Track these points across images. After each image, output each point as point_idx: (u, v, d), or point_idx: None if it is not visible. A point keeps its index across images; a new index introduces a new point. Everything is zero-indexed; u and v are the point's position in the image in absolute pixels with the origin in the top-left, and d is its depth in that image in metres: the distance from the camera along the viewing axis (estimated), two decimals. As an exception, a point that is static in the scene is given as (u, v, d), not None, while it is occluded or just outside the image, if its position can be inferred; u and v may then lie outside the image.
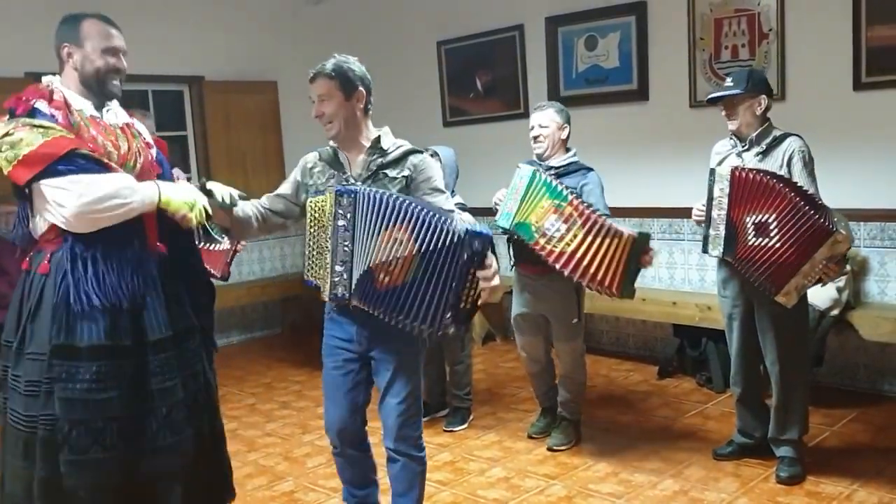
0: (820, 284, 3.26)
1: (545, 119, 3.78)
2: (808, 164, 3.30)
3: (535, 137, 3.80)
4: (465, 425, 4.27)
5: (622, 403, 4.55)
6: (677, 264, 5.17)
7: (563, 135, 3.80)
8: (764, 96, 3.37)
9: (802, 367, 3.48)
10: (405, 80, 6.38)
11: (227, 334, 6.49)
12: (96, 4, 5.65)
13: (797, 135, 3.37)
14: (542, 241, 3.38)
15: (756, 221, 3.18)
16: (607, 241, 3.27)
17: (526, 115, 5.81)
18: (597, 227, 3.27)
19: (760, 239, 3.18)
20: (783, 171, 3.28)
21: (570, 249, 3.31)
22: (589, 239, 3.28)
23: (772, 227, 3.15)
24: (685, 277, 5.13)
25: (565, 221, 3.33)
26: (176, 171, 4.67)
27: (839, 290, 4.18)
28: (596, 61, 5.33)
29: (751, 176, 3.21)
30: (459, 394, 4.29)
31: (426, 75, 6.33)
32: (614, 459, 3.78)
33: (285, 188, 2.92)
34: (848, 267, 4.29)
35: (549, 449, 3.92)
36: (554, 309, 3.84)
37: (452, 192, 4.03)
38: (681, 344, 5.04)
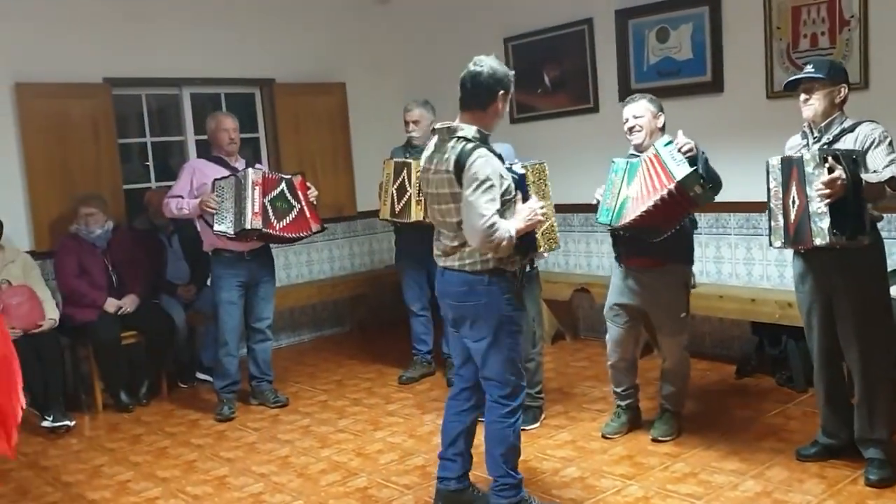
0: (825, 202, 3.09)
1: (639, 109, 3.79)
2: (883, 142, 3.18)
3: (631, 129, 3.80)
4: (538, 424, 4.23)
5: (700, 403, 4.44)
6: (755, 260, 5.01)
7: (659, 123, 3.81)
8: (845, 85, 3.29)
9: (886, 363, 3.34)
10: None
11: (298, 332, 6.58)
12: (167, 11, 5.79)
13: (872, 120, 3.25)
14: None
15: (792, 198, 3.20)
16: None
17: (595, 109, 5.75)
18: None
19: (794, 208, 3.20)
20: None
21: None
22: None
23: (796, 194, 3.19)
24: (763, 274, 4.98)
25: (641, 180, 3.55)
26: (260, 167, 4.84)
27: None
28: (668, 53, 5.21)
29: (788, 159, 3.22)
30: (531, 392, 4.22)
31: (493, 72, 6.27)
32: (693, 460, 3.68)
33: None
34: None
35: (654, 440, 3.90)
36: (662, 302, 3.84)
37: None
38: (760, 342, 4.89)
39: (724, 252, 5.16)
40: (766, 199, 3.38)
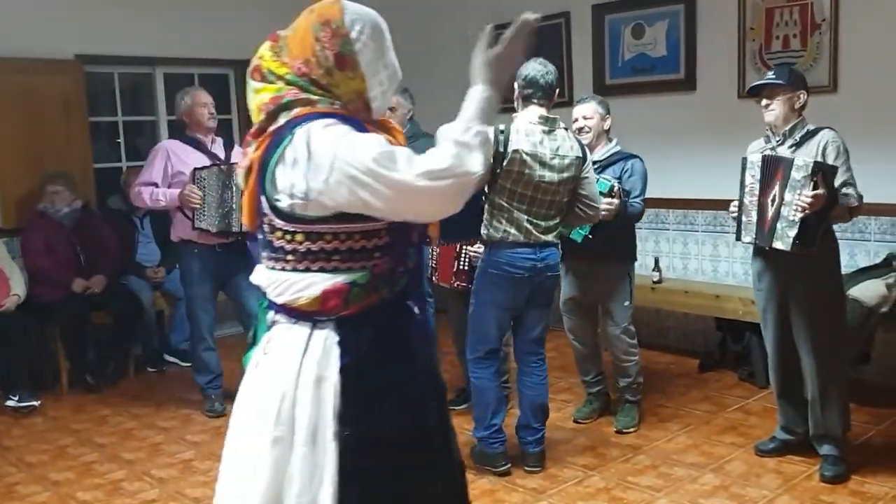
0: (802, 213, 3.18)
1: (589, 111, 3.94)
2: (842, 154, 3.30)
3: (580, 129, 3.91)
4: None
5: (662, 396, 4.52)
6: (721, 257, 5.10)
7: (606, 125, 3.98)
8: (804, 91, 3.38)
9: (838, 361, 3.44)
10: (450, 64, 6.34)
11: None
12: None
13: (831, 128, 3.35)
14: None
15: (772, 197, 3.30)
16: None
17: (570, 103, 5.75)
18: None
19: (772, 207, 3.29)
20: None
21: None
22: None
23: (776, 195, 3.28)
24: (729, 270, 5.07)
25: None
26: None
27: (889, 287, 4.09)
28: (643, 50, 5.26)
29: (772, 158, 3.32)
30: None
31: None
32: (654, 452, 3.76)
33: None
34: (899, 263, 4.21)
35: (618, 431, 4.01)
36: (607, 292, 4.00)
37: None
38: (723, 338, 4.99)
39: (691, 248, 5.24)
40: (736, 196, 3.46)
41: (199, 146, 4.47)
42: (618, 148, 3.98)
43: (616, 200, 3.70)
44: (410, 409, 1.80)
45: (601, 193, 3.63)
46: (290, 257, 1.73)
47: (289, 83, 1.74)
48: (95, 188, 5.58)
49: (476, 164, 1.62)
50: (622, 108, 4.61)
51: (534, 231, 3.38)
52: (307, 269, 1.72)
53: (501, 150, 3.25)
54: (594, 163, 3.82)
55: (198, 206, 4.22)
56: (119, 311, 5.10)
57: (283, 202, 1.68)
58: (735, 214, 3.49)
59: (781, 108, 3.35)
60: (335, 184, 1.62)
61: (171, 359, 5.49)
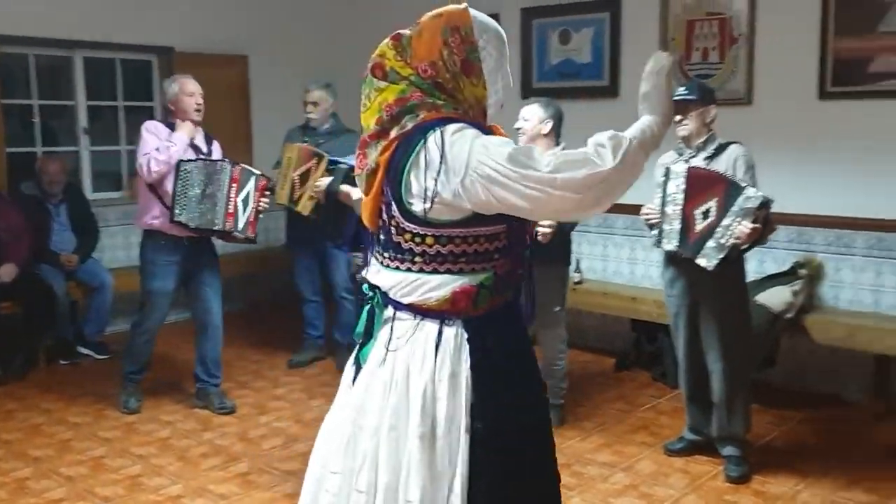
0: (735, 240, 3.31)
1: (528, 113, 3.93)
2: (751, 169, 3.45)
3: (517, 129, 3.92)
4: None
5: (579, 395, 4.62)
6: (638, 260, 5.24)
7: (544, 129, 3.91)
8: (713, 106, 3.51)
9: (744, 366, 3.59)
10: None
11: (186, 309, 6.42)
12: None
13: (739, 142, 3.50)
14: None
15: (703, 210, 3.38)
16: None
17: (497, 104, 5.84)
18: None
19: (705, 222, 3.37)
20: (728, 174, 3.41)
21: None
22: None
23: (712, 211, 3.35)
24: (645, 273, 5.21)
25: None
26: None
27: (794, 294, 4.28)
28: (569, 55, 5.35)
29: (703, 172, 3.40)
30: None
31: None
32: (569, 451, 3.84)
33: None
34: (804, 271, 4.41)
35: None
36: (539, 296, 3.91)
37: None
38: (638, 338, 5.13)
39: (611, 251, 5.37)
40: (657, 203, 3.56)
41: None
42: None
43: (549, 231, 3.65)
44: (532, 402, 1.95)
45: None
46: (418, 259, 1.81)
47: (413, 84, 1.80)
48: (7, 173, 5.38)
49: (608, 158, 1.67)
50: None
51: None
52: (435, 271, 1.81)
53: None
54: None
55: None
56: (29, 301, 4.93)
57: (417, 206, 1.77)
58: (651, 221, 3.59)
59: (694, 123, 3.47)
60: (471, 184, 1.71)
61: (85, 351, 5.33)
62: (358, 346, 1.96)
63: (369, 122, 1.84)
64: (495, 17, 6.03)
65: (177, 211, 4.04)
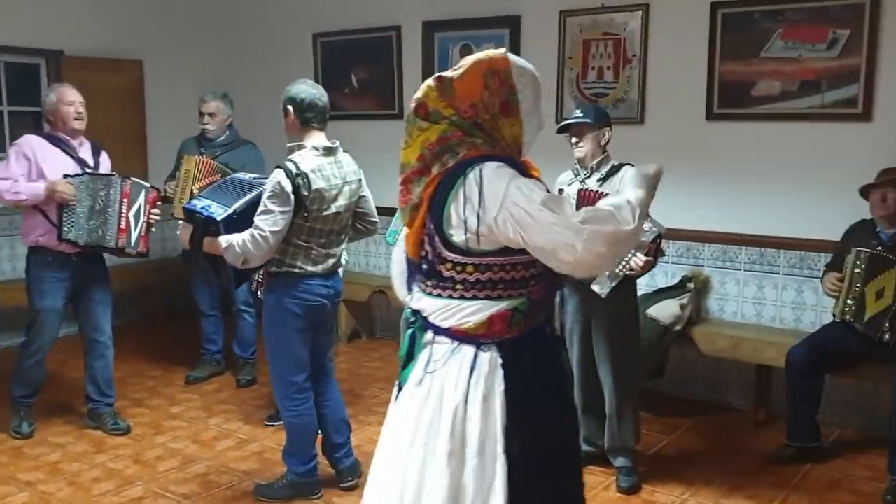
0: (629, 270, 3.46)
1: None
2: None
3: None
4: (324, 429, 4.29)
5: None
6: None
7: None
8: (609, 128, 3.64)
9: (633, 380, 3.73)
10: (277, 69, 6.27)
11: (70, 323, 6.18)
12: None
13: (631, 164, 3.61)
14: None
15: None
16: None
17: (400, 116, 5.86)
18: None
19: None
20: None
21: None
22: None
23: None
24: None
25: None
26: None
27: (682, 307, 4.47)
28: (470, 70, 5.40)
29: (593, 194, 3.48)
30: (320, 398, 4.29)
31: (300, 66, 6.22)
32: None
33: None
34: (692, 285, 4.60)
35: None
36: None
37: None
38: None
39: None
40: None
41: (65, 148, 4.06)
42: None
43: None
44: (564, 423, 2.06)
45: None
46: (458, 286, 1.94)
47: (454, 124, 1.93)
48: None
49: (629, 219, 1.83)
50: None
51: (328, 261, 3.36)
52: (474, 297, 1.93)
53: (306, 192, 3.15)
54: None
55: (72, 201, 3.86)
56: None
57: (458, 237, 1.90)
58: None
59: (590, 146, 3.59)
60: (503, 222, 1.85)
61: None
62: (400, 368, 2.08)
63: (410, 158, 1.97)
64: (396, 28, 6.07)
65: (65, 229, 3.90)
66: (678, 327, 4.43)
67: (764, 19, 4.35)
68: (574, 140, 3.62)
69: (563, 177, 3.78)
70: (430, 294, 2.00)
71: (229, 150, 4.84)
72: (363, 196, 3.54)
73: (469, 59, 1.96)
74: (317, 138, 3.30)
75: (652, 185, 1.98)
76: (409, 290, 2.12)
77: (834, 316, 3.89)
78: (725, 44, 4.48)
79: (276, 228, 3.11)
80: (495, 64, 1.93)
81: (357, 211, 3.52)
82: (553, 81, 5.05)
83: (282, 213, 3.11)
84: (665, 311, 4.40)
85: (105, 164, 4.25)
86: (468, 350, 1.96)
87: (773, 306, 4.53)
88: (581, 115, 3.60)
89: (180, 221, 3.45)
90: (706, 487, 3.68)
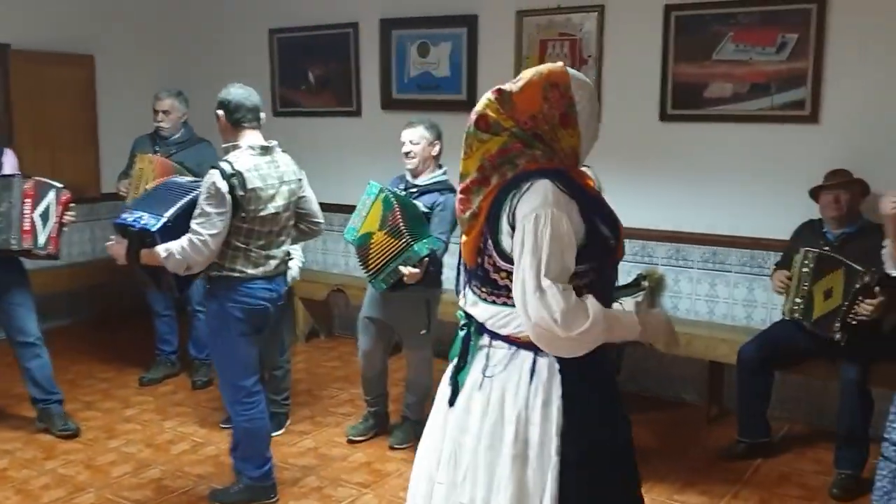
0: None
1: (416, 136, 3.91)
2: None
3: (407, 154, 3.92)
4: (282, 430, 4.27)
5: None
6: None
7: (434, 151, 3.95)
8: None
9: None
10: (233, 65, 6.20)
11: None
12: None
13: (588, 165, 3.61)
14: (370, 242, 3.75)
15: None
16: (392, 240, 3.65)
17: (358, 113, 5.84)
18: (394, 228, 3.65)
19: None
20: None
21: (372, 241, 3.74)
22: (385, 237, 3.68)
23: None
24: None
25: (384, 224, 3.69)
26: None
27: (637, 305, 4.51)
28: (428, 68, 5.41)
29: None
30: (277, 399, 4.27)
31: (256, 62, 6.17)
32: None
33: None
34: (646, 283, 4.66)
35: (391, 447, 4.07)
36: (403, 319, 3.98)
37: None
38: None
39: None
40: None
41: None
42: (444, 178, 3.93)
43: (417, 271, 3.65)
44: (618, 427, 2.13)
45: (420, 258, 3.63)
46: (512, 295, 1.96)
47: (514, 136, 1.99)
48: None
49: (576, 328, 1.89)
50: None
51: (269, 263, 3.33)
52: None
53: (241, 192, 3.13)
54: (414, 188, 3.91)
55: None
56: None
57: (508, 246, 1.97)
58: None
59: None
60: (515, 244, 1.94)
61: None
62: (454, 370, 2.14)
63: (470, 168, 2.04)
64: (353, 25, 6.02)
65: None
66: (633, 325, 4.48)
67: (716, 22, 4.42)
68: None
69: None
70: (485, 300, 2.07)
71: (184, 148, 4.78)
72: (304, 196, 3.52)
73: (528, 73, 2.02)
74: (251, 138, 3.28)
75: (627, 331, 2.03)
76: (461, 292, 2.21)
77: (783, 314, 3.98)
78: (679, 46, 4.54)
79: (215, 231, 3.09)
80: (555, 77, 2.00)
81: (299, 212, 3.50)
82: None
83: (218, 214, 3.10)
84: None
85: (9, 165, 4.10)
86: (526, 355, 2.02)
87: (726, 304, 4.62)
88: None
89: (111, 237, 3.38)
90: (660, 483, 3.75)
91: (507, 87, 2.02)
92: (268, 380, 4.26)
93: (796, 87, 4.26)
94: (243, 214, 3.17)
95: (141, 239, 3.16)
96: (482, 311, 2.07)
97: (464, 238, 2.09)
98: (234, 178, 3.11)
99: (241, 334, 3.30)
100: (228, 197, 3.09)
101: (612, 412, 2.12)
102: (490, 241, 2.01)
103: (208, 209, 3.09)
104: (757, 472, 3.90)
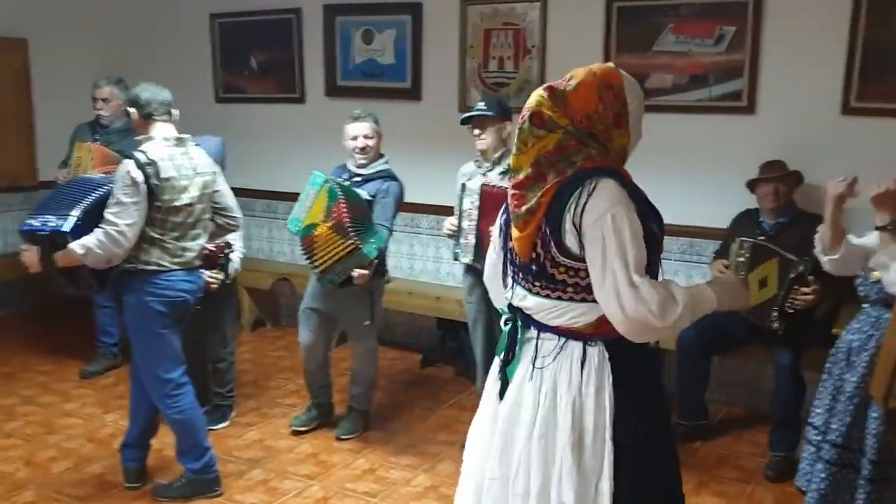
0: None
1: (370, 130, 3.96)
2: None
3: (363, 149, 3.92)
4: (227, 423, 4.24)
5: (386, 393, 4.73)
6: (443, 259, 5.40)
7: (380, 144, 4.01)
8: (509, 122, 3.69)
9: None
10: (174, 51, 6.09)
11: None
12: None
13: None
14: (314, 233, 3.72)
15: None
16: (339, 238, 3.62)
17: (302, 100, 5.78)
18: (338, 224, 3.62)
19: None
20: None
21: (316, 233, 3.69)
22: (330, 232, 3.64)
23: None
24: (450, 272, 5.38)
25: (328, 216, 3.65)
26: None
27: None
28: (372, 55, 5.38)
29: (496, 190, 3.54)
30: (221, 391, 4.24)
31: (198, 48, 6.06)
32: (373, 455, 3.93)
33: None
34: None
35: (337, 438, 4.07)
36: (347, 310, 3.99)
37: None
38: (443, 335, 5.32)
39: (417, 250, 5.50)
40: (455, 210, 3.73)
41: None
42: (386, 166, 3.98)
43: (367, 272, 3.71)
44: (665, 417, 2.21)
45: (369, 261, 3.68)
46: (569, 289, 2.03)
47: (569, 134, 2.01)
48: None
49: (671, 318, 1.94)
50: (351, 111, 4.69)
51: (185, 255, 3.32)
52: (584, 300, 2.03)
53: (156, 182, 3.12)
54: (358, 177, 3.91)
55: None
56: None
57: (571, 243, 1.99)
58: (451, 233, 3.74)
59: (491, 138, 3.64)
60: (587, 241, 1.96)
61: None
62: (502, 363, 2.20)
63: (523, 164, 2.05)
64: (296, 11, 5.94)
65: None
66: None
67: (656, 14, 4.48)
68: (476, 132, 3.67)
69: (466, 168, 3.82)
70: (537, 294, 2.10)
71: (125, 136, 4.67)
72: (218, 190, 3.50)
73: (580, 72, 2.06)
74: (164, 130, 3.29)
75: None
76: (504, 286, 2.25)
77: (721, 301, 4.07)
78: (620, 36, 4.59)
79: (130, 221, 3.07)
80: (609, 78, 2.05)
81: (215, 206, 3.49)
82: (455, 70, 5.07)
83: (134, 204, 3.08)
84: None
85: None
86: (576, 345, 2.07)
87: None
88: (484, 107, 3.65)
89: (21, 247, 3.31)
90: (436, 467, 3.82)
91: (560, 85, 2.05)
92: (211, 372, 4.24)
93: (734, 79, 4.35)
94: (158, 204, 3.16)
95: (53, 242, 3.11)
96: (535, 304, 2.12)
97: (517, 233, 2.10)
98: (149, 167, 3.11)
99: (163, 327, 3.28)
100: (144, 186, 3.08)
101: (660, 395, 2.20)
102: (550, 238, 2.02)
103: (124, 199, 3.07)
104: (696, 454, 4.01)
